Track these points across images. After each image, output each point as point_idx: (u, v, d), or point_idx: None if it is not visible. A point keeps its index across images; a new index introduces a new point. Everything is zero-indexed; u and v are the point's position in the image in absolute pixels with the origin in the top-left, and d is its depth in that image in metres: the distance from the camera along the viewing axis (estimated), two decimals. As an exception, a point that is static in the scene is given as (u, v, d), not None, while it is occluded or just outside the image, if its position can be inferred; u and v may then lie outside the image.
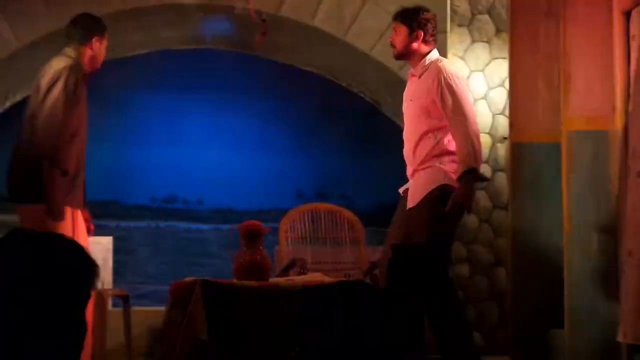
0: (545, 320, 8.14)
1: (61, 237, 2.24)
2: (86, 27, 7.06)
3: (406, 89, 7.14)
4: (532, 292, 8.36)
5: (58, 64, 6.80)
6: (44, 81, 6.70)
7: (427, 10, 7.13)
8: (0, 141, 9.01)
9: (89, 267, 2.19)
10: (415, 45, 6.92)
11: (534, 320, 8.28)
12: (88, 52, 6.96)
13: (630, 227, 7.42)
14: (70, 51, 6.93)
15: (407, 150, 6.99)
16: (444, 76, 6.71)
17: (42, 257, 2.15)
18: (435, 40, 7.03)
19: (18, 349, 2.08)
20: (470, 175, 6.58)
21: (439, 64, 6.85)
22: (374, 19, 9.97)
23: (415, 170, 6.86)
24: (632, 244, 7.36)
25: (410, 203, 6.70)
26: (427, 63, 6.87)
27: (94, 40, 6.98)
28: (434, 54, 6.93)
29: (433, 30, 7.01)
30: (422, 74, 6.87)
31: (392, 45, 7.08)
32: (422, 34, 6.92)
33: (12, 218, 9.34)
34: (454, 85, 6.70)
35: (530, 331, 8.29)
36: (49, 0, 9.46)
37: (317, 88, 10.51)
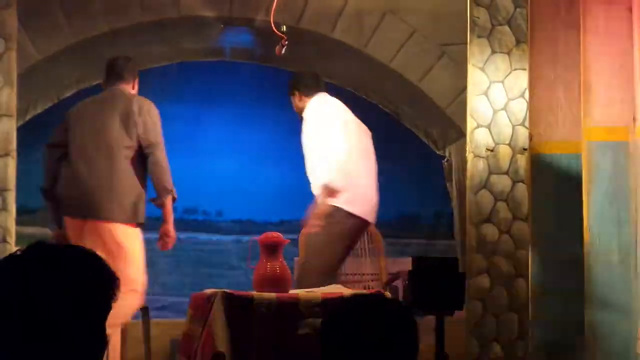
0: (567, 332, 8.12)
1: (83, 250, 2.25)
2: (134, 68, 7.87)
3: None
4: (553, 304, 8.35)
5: (143, 100, 7.50)
6: (153, 116, 7.40)
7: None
8: (23, 150, 9.04)
9: (110, 279, 2.20)
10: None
11: (555, 331, 8.27)
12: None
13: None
14: (130, 88, 7.61)
15: None
16: None
17: (65, 269, 2.15)
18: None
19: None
20: None
21: None
22: (393, 31, 9.99)
23: None
24: (653, 256, 7.36)
25: None
26: None
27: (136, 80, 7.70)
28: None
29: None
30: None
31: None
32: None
33: (30, 230, 9.39)
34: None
35: (551, 343, 8.27)
36: (69, 14, 9.49)
37: (335, 99, 10.52)
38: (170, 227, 7.44)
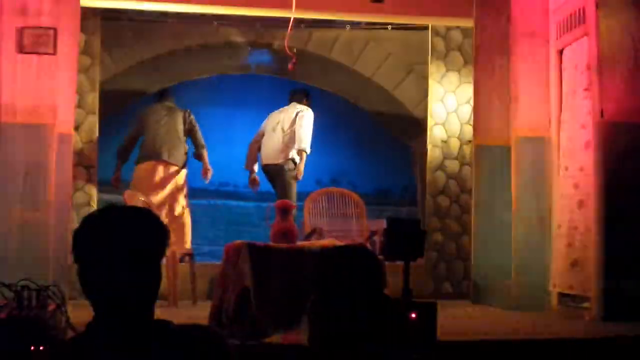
0: (498, 274, 8.13)
1: (142, 209, 2.26)
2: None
3: None
4: (489, 253, 8.36)
5: (188, 110, 8.39)
6: (193, 118, 8.29)
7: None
8: (102, 138, 9.04)
9: (164, 232, 2.20)
10: None
11: (489, 274, 8.28)
12: None
13: (558, 207, 7.42)
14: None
15: None
16: None
17: (129, 224, 2.16)
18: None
19: (123, 282, 2.10)
20: None
21: None
22: (374, 54, 9.97)
23: None
24: (560, 220, 7.36)
25: None
26: None
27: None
28: None
29: None
30: None
31: None
32: None
33: (107, 196, 9.39)
34: None
35: (487, 282, 8.28)
36: (139, 39, 9.47)
37: (332, 103, 10.50)
38: (208, 166, 8.33)
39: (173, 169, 8.01)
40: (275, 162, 8.40)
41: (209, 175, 8.32)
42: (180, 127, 8.13)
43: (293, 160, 8.34)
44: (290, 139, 8.39)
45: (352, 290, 2.59)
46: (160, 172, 7.98)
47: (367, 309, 2.57)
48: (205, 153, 8.27)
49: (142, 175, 8.04)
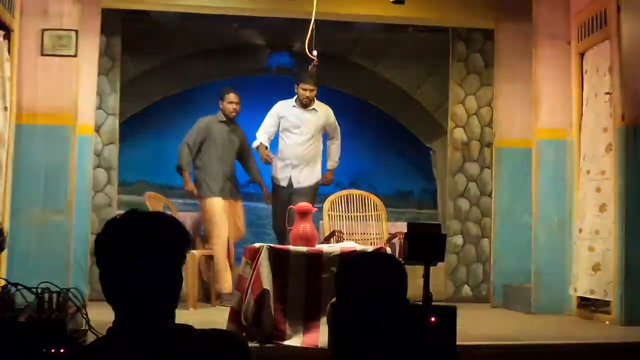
0: (518, 278, 8.12)
1: (164, 214, 2.27)
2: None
3: None
4: (509, 257, 8.35)
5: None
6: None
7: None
8: (124, 140, 9.07)
9: (185, 237, 2.21)
10: None
11: (509, 277, 8.26)
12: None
13: (580, 212, 7.39)
14: None
15: None
16: None
17: (151, 229, 2.17)
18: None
19: (142, 289, 2.11)
20: None
21: None
22: (395, 56, 9.96)
23: None
24: (581, 224, 7.33)
25: None
26: None
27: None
28: None
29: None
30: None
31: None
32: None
33: (127, 197, 9.43)
34: None
35: (506, 286, 8.27)
36: (159, 41, 9.50)
37: (353, 105, 10.48)
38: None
39: None
40: None
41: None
42: None
43: None
44: None
45: (376, 297, 2.58)
46: None
47: (390, 315, 2.57)
48: None
49: None
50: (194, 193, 8.07)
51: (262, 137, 8.19)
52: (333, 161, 8.46)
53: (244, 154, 8.43)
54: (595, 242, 7.08)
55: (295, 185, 8.19)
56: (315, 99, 8.19)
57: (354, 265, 2.69)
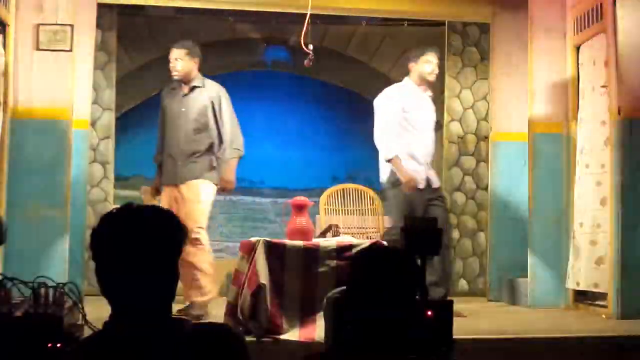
0: (514, 272, 8.12)
1: (160, 208, 2.26)
2: None
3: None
4: (505, 250, 8.35)
5: None
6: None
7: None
8: (119, 134, 9.06)
9: (181, 230, 2.21)
10: None
11: (505, 271, 8.27)
12: None
13: (580, 205, 7.39)
14: None
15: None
16: None
17: (146, 223, 2.17)
18: None
19: (140, 283, 2.11)
20: None
21: None
22: (391, 49, 9.95)
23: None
24: (582, 218, 7.33)
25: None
26: None
27: None
28: None
29: None
30: None
31: None
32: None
33: (124, 192, 9.42)
34: None
35: (503, 279, 8.27)
36: (154, 36, 9.48)
37: (348, 99, 10.48)
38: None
39: None
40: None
41: None
42: None
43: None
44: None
45: (387, 292, 2.56)
46: None
47: (400, 311, 2.55)
48: None
49: None
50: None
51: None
52: None
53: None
54: (598, 235, 7.07)
55: None
56: None
57: (366, 260, 2.67)
